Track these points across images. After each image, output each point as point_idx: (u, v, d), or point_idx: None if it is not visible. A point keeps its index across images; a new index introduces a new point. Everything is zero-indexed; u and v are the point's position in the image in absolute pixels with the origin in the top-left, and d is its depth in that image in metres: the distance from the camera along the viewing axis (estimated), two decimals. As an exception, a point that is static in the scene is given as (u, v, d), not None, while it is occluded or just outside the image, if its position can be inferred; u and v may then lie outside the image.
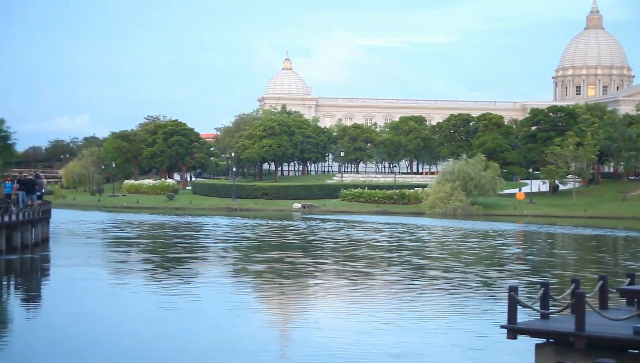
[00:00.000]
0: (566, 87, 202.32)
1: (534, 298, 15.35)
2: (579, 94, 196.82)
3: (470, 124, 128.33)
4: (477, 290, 29.91)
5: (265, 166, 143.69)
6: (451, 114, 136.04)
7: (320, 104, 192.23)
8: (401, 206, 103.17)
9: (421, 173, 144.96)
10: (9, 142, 76.39)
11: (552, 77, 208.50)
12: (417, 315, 24.24)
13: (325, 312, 24.97)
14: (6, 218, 41.77)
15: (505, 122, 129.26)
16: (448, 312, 24.91)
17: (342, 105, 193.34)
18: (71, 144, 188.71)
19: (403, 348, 19.73)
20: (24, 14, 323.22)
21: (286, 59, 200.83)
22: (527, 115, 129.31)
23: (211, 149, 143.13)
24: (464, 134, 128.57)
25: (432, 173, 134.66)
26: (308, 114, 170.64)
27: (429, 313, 24.76)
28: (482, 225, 73.59)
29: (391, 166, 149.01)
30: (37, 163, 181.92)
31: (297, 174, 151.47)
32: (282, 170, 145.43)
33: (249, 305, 26.76)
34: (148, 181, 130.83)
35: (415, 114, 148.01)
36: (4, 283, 32.72)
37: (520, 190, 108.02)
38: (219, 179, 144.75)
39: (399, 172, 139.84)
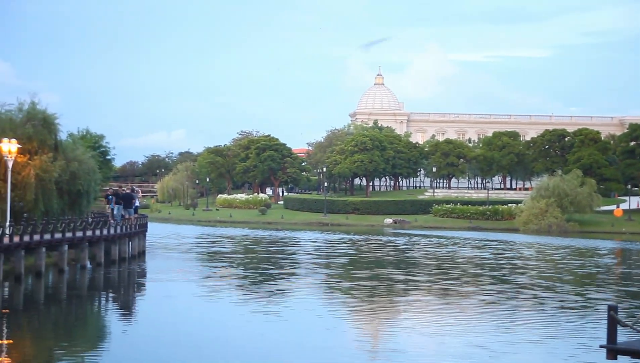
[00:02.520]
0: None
1: (635, 318, 14.90)
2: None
3: (566, 139, 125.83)
4: (577, 309, 29.24)
5: (357, 181, 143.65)
6: (546, 130, 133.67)
7: (412, 119, 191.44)
8: (494, 222, 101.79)
9: (515, 189, 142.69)
10: (108, 157, 78.43)
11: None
12: (514, 335, 23.77)
13: (417, 333, 24.70)
14: (105, 232, 42.93)
15: (602, 138, 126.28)
16: (547, 331, 24.36)
17: (434, 120, 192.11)
18: (166, 159, 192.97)
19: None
20: (121, 32, 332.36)
21: (378, 75, 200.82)
22: (626, 130, 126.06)
23: (303, 164, 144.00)
24: (559, 149, 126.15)
25: (526, 189, 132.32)
26: (400, 130, 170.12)
27: (527, 331, 24.26)
28: (582, 242, 71.85)
29: (484, 181, 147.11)
30: (134, 177, 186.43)
31: (388, 190, 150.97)
32: (373, 185, 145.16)
33: (341, 322, 26.75)
34: (241, 196, 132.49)
35: (509, 130, 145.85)
36: (103, 295, 33.57)
37: (618, 207, 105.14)
38: (310, 194, 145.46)
39: (492, 188, 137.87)
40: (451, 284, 36.64)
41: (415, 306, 29.97)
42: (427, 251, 58.26)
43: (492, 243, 69.19)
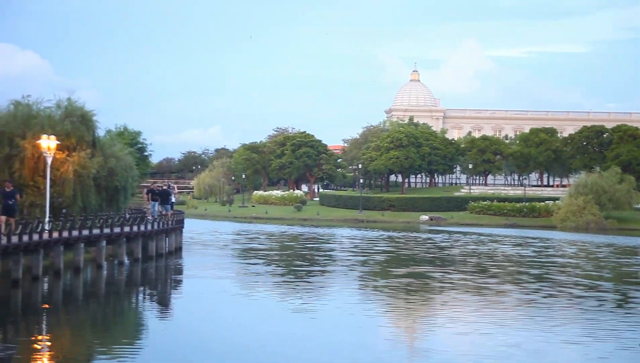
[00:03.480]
0: None
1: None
2: None
3: (604, 135, 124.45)
4: (617, 308, 28.88)
5: (392, 177, 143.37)
6: (584, 126, 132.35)
7: (448, 115, 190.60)
8: (531, 219, 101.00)
9: (552, 186, 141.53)
10: (145, 153, 79.15)
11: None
12: (552, 334, 23.48)
13: (454, 331, 24.50)
14: (142, 228, 43.22)
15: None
16: (586, 330, 24.06)
17: (470, 116, 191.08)
18: (202, 155, 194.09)
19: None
20: (157, 29, 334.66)
21: (414, 71, 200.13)
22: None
23: (338, 160, 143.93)
24: (597, 146, 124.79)
25: (564, 186, 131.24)
26: (436, 126, 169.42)
27: (566, 330, 23.96)
28: (622, 240, 70.88)
29: (520, 178, 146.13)
30: (171, 173, 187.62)
31: (424, 186, 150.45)
32: (409, 182, 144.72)
33: (376, 320, 26.64)
34: (276, 192, 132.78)
35: (546, 126, 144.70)
36: (140, 290, 33.80)
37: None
38: (345, 190, 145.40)
39: (529, 184, 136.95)
40: (490, 282, 36.35)
41: (452, 305, 29.73)
42: (466, 248, 57.84)
43: (532, 240, 68.49)
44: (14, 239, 31.37)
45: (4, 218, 32.10)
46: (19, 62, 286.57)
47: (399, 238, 68.13)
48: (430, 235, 73.77)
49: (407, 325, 25.71)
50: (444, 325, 25.08)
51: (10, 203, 32.69)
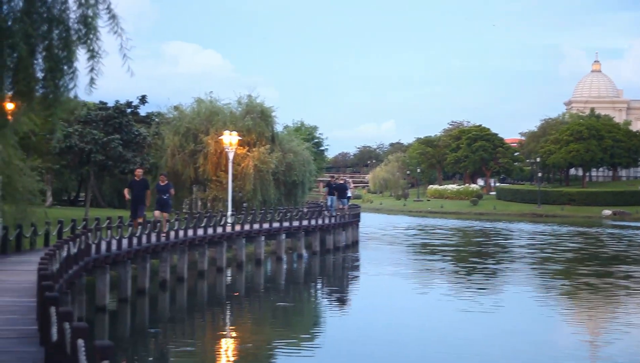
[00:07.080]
0: None
1: None
2: None
3: None
4: None
5: (572, 171, 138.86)
6: None
7: (632, 107, 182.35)
8: None
9: None
10: (322, 148, 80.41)
11: None
12: None
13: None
14: (320, 221, 43.95)
15: None
16: None
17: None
18: (377, 149, 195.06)
19: None
20: (333, 25, 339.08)
21: (595, 61, 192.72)
22: None
23: (515, 154, 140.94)
24: None
25: None
26: (618, 118, 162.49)
27: None
28: None
29: None
30: (346, 168, 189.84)
31: (606, 180, 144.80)
32: (590, 175, 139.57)
33: (557, 323, 25.79)
34: (452, 186, 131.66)
35: None
36: (318, 283, 34.36)
37: None
38: (523, 184, 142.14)
39: None
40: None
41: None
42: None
43: None
44: (200, 232, 32.66)
45: (157, 212, 30.29)
46: (201, 61, 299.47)
47: (586, 234, 65.32)
48: (625, 232, 69.93)
49: (592, 328, 24.72)
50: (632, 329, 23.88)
51: (165, 197, 30.53)
